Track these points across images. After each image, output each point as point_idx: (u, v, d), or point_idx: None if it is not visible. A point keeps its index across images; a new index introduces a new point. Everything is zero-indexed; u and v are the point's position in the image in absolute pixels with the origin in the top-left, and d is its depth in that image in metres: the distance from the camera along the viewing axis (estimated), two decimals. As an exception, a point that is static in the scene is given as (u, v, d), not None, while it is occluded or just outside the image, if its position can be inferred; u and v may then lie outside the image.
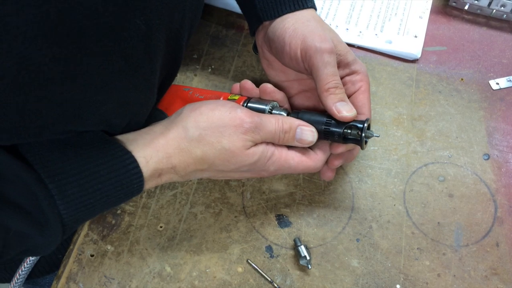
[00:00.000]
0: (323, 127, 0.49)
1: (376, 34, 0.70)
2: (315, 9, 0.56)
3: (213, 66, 0.69)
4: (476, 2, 0.70)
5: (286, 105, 0.55)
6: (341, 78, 0.51)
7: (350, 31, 0.70)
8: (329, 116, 0.50)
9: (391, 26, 0.71)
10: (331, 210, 0.57)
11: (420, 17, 0.72)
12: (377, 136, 0.50)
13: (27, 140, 0.39)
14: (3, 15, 0.30)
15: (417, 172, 0.59)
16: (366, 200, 0.58)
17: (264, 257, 0.55)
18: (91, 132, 0.43)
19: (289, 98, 0.59)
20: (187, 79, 0.67)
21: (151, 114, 0.53)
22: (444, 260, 0.54)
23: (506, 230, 0.55)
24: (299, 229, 0.56)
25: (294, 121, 0.49)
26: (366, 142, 0.50)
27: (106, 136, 0.43)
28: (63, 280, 0.54)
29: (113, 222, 0.57)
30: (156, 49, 0.42)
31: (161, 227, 0.57)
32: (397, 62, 0.68)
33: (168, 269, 0.55)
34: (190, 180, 0.59)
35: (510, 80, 0.66)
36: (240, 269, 0.54)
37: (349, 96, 0.52)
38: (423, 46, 0.69)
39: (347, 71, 0.53)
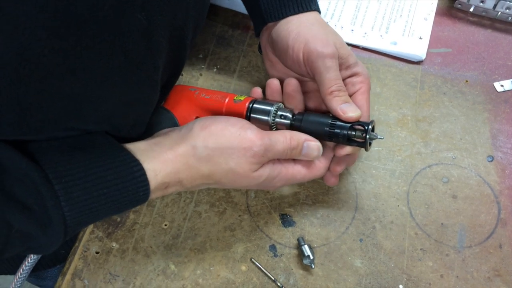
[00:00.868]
0: (328, 128, 0.50)
1: (381, 36, 0.70)
2: (319, 12, 0.56)
3: (218, 66, 0.69)
4: (481, 4, 0.70)
5: (299, 105, 0.55)
6: (343, 80, 0.52)
7: (355, 32, 0.71)
8: (334, 117, 0.50)
9: (396, 27, 0.71)
10: (334, 210, 0.58)
11: (425, 18, 0.72)
12: (381, 138, 0.51)
13: (30, 137, 0.39)
14: (3, 5, 0.30)
15: (421, 173, 0.60)
16: (369, 200, 0.58)
17: (268, 256, 0.55)
18: (100, 137, 0.43)
19: None
20: (193, 79, 0.68)
21: (157, 113, 0.54)
22: (447, 261, 0.54)
23: (509, 232, 0.56)
24: (302, 229, 0.57)
25: (301, 137, 0.49)
26: (370, 144, 0.50)
27: (115, 142, 0.43)
28: (68, 276, 0.55)
29: (118, 219, 0.58)
30: (158, 45, 0.42)
31: (165, 225, 0.57)
32: (401, 64, 0.69)
33: (173, 266, 0.55)
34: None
35: (514, 82, 0.66)
36: (243, 268, 0.55)
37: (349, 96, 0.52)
38: (428, 48, 0.69)
39: (348, 73, 0.53)
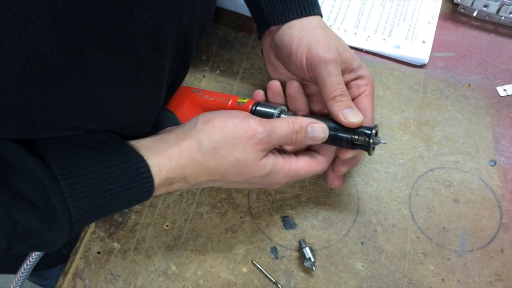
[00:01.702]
0: (331, 133, 0.50)
1: (384, 39, 0.70)
2: (321, 16, 0.56)
3: (221, 68, 0.69)
4: (484, 9, 0.70)
5: (302, 106, 0.55)
6: (347, 83, 0.52)
7: (358, 36, 0.71)
8: (337, 122, 0.50)
9: (399, 31, 0.71)
10: (336, 213, 0.58)
11: (428, 22, 0.72)
12: (384, 143, 0.51)
13: (35, 135, 0.40)
14: (13, 3, 0.30)
15: (423, 176, 0.60)
16: (371, 203, 0.58)
17: (269, 258, 0.55)
18: (104, 134, 0.43)
19: None
20: (196, 80, 0.68)
21: (160, 114, 0.54)
22: (448, 265, 0.54)
23: (511, 237, 0.55)
24: (304, 231, 0.57)
25: (303, 120, 0.49)
26: (373, 148, 0.50)
27: (119, 139, 0.44)
28: (69, 276, 0.55)
29: (120, 220, 0.58)
30: (164, 46, 0.42)
31: (167, 226, 0.57)
32: (404, 67, 0.69)
33: (174, 267, 0.55)
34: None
35: (517, 87, 0.66)
36: (244, 270, 0.55)
37: (353, 99, 0.52)
38: (431, 52, 0.69)
39: (352, 76, 0.53)
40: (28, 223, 0.38)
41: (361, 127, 0.50)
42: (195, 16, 0.48)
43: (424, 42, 0.70)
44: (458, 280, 0.53)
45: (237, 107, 0.54)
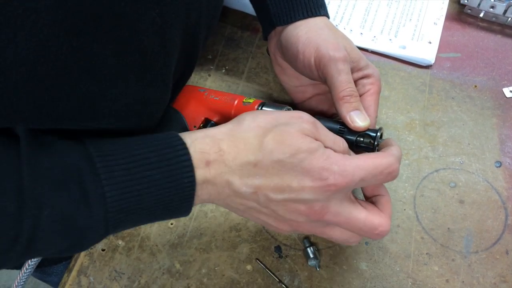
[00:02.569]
0: (337, 134, 0.50)
1: (390, 39, 0.70)
2: (328, 17, 0.56)
3: (227, 67, 0.69)
4: (491, 10, 0.70)
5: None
6: (354, 82, 0.52)
7: (364, 36, 0.71)
8: (343, 123, 0.50)
9: (406, 31, 0.71)
10: (340, 213, 0.58)
11: (434, 23, 0.72)
12: None
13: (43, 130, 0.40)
14: (24, 0, 0.30)
15: (428, 177, 0.59)
16: (376, 203, 0.58)
17: (273, 257, 0.55)
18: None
19: (303, 101, 0.60)
20: (201, 79, 0.68)
21: (166, 113, 0.54)
22: (453, 266, 0.54)
23: (516, 238, 0.55)
24: (308, 231, 0.57)
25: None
26: (378, 150, 0.50)
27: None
28: (74, 273, 0.55)
29: (125, 217, 0.58)
30: (171, 43, 0.42)
31: (171, 224, 0.58)
32: (410, 68, 0.68)
33: (178, 265, 0.55)
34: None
35: (524, 88, 0.66)
36: (248, 268, 0.55)
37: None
38: (437, 52, 0.69)
39: (359, 75, 0.53)
40: (57, 206, 0.35)
41: (367, 129, 0.50)
42: (202, 14, 0.48)
43: (430, 42, 0.70)
44: (463, 281, 0.53)
45: (243, 107, 0.54)
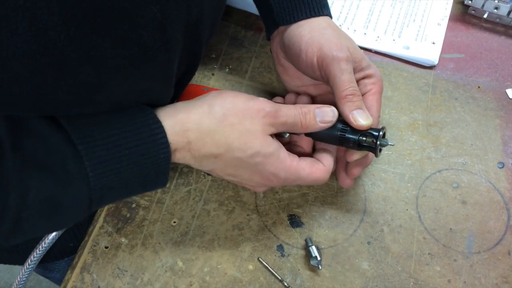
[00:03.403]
0: (339, 133, 0.50)
1: (393, 40, 0.70)
2: (331, 16, 0.56)
3: (230, 66, 0.70)
4: (495, 11, 0.70)
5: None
6: (356, 81, 0.52)
7: (368, 36, 0.71)
8: (345, 122, 0.50)
9: (409, 32, 0.71)
10: (343, 212, 0.58)
11: (438, 24, 0.72)
12: (392, 145, 0.51)
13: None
14: None
15: (431, 177, 0.60)
16: (378, 203, 0.58)
17: (275, 256, 0.55)
18: None
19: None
20: (205, 78, 0.68)
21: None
22: (455, 266, 0.54)
23: (518, 239, 0.55)
24: (310, 230, 0.57)
25: (310, 105, 0.50)
26: (380, 150, 0.50)
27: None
28: (77, 270, 0.55)
29: (128, 215, 0.58)
30: (173, 39, 0.42)
31: (174, 222, 0.58)
32: (414, 68, 0.69)
33: (180, 263, 0.55)
34: (205, 177, 0.60)
35: (527, 90, 0.66)
36: (251, 267, 0.55)
37: None
38: (441, 53, 0.69)
39: (361, 75, 0.53)
40: (43, 188, 0.38)
41: (369, 128, 0.50)
42: (204, 11, 0.48)
43: (434, 43, 0.70)
44: (465, 282, 0.53)
45: None
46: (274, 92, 0.67)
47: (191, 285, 0.54)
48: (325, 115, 0.49)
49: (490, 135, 0.62)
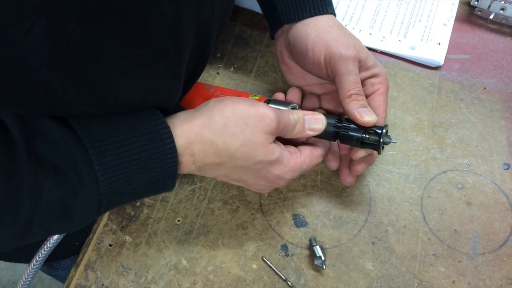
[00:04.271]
0: (342, 132, 0.50)
1: (399, 40, 0.70)
2: (335, 15, 0.56)
3: (235, 65, 0.69)
4: (501, 12, 0.70)
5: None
6: (361, 81, 0.52)
7: (373, 36, 0.71)
8: (348, 120, 0.50)
9: (415, 32, 0.71)
10: (347, 213, 0.58)
11: (444, 24, 0.72)
12: (394, 142, 0.51)
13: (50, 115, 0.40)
14: None
15: (436, 178, 0.59)
16: (383, 204, 0.58)
17: (279, 255, 0.55)
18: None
19: None
20: (210, 77, 0.68)
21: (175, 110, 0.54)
22: (459, 268, 0.54)
23: (523, 241, 0.55)
24: (315, 230, 0.57)
25: (299, 112, 0.50)
26: (383, 147, 0.50)
27: (152, 109, 0.44)
28: (81, 267, 0.55)
29: (132, 213, 0.58)
30: (183, 39, 0.42)
31: (178, 221, 0.58)
32: (419, 69, 0.68)
33: (184, 262, 0.55)
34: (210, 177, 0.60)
35: (533, 91, 0.65)
36: (255, 266, 0.55)
37: (366, 97, 0.52)
38: (447, 54, 0.69)
39: (367, 74, 0.53)
40: (55, 192, 0.38)
41: (372, 126, 0.50)
42: (214, 11, 0.48)
43: (439, 44, 0.69)
44: (469, 283, 0.53)
45: None
46: (280, 91, 0.66)
47: (195, 283, 0.54)
48: (313, 124, 0.50)
49: (495, 136, 0.62)
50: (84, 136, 0.39)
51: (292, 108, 0.53)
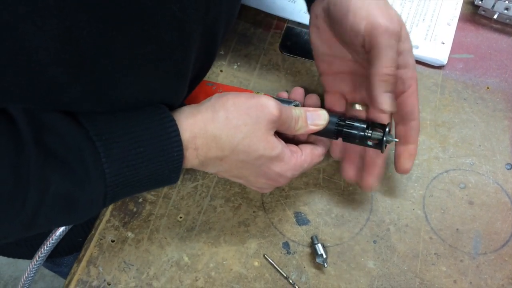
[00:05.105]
0: (345, 129, 0.50)
1: (402, 39, 0.70)
2: None
3: (239, 63, 0.70)
4: (505, 11, 0.70)
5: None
6: None
7: (376, 35, 0.71)
8: (351, 118, 0.50)
9: (419, 31, 0.71)
10: (349, 211, 0.58)
11: (448, 24, 0.72)
12: (396, 141, 0.51)
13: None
14: None
15: (438, 177, 0.59)
16: (385, 202, 0.58)
17: (281, 253, 0.55)
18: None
19: (326, 75, 0.57)
20: (213, 75, 0.68)
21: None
22: (461, 267, 0.54)
23: (525, 241, 0.55)
24: (316, 228, 0.57)
25: (302, 108, 0.50)
26: (385, 146, 0.50)
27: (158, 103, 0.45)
28: (83, 263, 0.56)
29: (135, 210, 0.58)
30: (191, 38, 0.43)
31: (180, 217, 0.58)
32: (422, 68, 0.68)
33: (186, 258, 0.55)
34: (211, 173, 0.60)
35: (537, 91, 0.65)
36: (256, 263, 0.55)
37: (397, 96, 0.50)
38: (450, 53, 0.69)
39: (400, 60, 0.49)
40: (62, 184, 0.38)
41: (374, 124, 0.50)
42: (222, 10, 0.48)
43: (443, 43, 0.69)
44: (471, 282, 0.53)
45: None
46: (282, 90, 0.67)
47: (196, 280, 0.54)
48: (316, 120, 0.50)
49: (498, 136, 0.62)
50: (91, 129, 0.39)
51: (295, 106, 0.53)
